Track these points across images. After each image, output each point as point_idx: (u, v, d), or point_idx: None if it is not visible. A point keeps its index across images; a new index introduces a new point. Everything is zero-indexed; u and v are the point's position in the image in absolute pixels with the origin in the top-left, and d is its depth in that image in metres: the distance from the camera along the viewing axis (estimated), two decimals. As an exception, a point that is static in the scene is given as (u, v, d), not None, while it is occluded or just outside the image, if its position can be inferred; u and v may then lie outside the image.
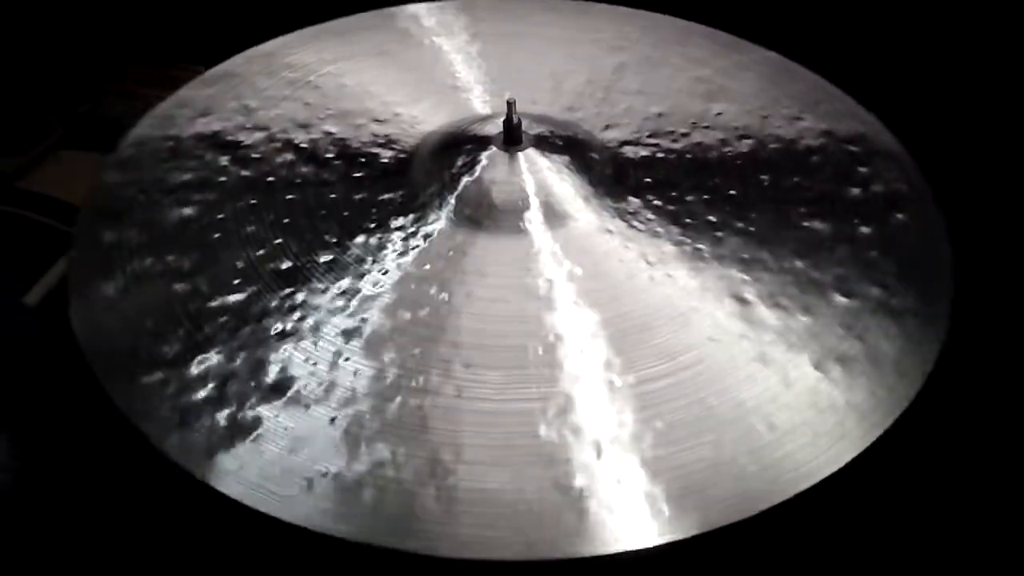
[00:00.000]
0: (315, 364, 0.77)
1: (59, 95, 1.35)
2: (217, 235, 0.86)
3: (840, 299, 0.83)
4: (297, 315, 0.80)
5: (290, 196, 0.89)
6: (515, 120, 0.87)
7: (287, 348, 0.78)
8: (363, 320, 0.79)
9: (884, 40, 1.39)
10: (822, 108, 0.99)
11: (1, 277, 1.12)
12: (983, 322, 1.11)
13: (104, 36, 1.40)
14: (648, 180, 0.90)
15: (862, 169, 0.94)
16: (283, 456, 0.73)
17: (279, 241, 0.85)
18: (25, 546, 1.00)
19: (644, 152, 0.93)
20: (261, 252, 0.84)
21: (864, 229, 0.88)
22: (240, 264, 0.83)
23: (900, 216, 0.90)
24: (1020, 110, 1.32)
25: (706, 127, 0.96)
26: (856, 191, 0.92)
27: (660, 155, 0.93)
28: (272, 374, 0.77)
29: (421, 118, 0.95)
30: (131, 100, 0.96)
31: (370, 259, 0.83)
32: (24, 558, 1.00)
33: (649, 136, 0.94)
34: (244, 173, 0.91)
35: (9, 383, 1.03)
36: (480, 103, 0.97)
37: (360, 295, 0.81)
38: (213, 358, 0.78)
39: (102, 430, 0.91)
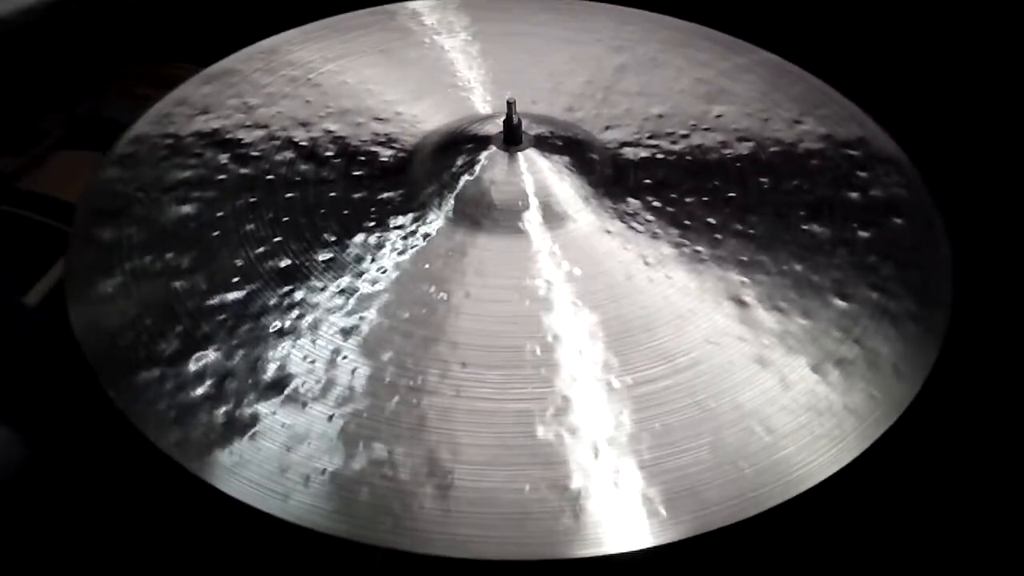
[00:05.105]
0: (313, 362, 0.77)
1: (59, 95, 1.35)
2: (216, 233, 0.86)
3: (838, 302, 0.83)
4: (296, 313, 0.80)
5: (290, 194, 0.89)
6: (515, 120, 0.87)
7: (285, 346, 0.78)
8: (361, 319, 0.79)
9: (884, 44, 1.39)
10: (822, 112, 1.00)
11: (1, 277, 1.12)
12: (981, 326, 1.11)
13: (104, 36, 1.40)
14: (648, 181, 0.90)
15: (861, 174, 0.94)
16: (280, 454, 0.73)
17: (278, 239, 0.85)
18: (27, 544, 1.00)
19: (644, 153, 0.93)
20: (260, 250, 0.84)
21: (863, 233, 0.88)
22: (239, 262, 0.83)
23: (899, 221, 0.90)
24: (1019, 115, 1.33)
25: (706, 129, 0.96)
26: (855, 195, 0.92)
27: (660, 156, 0.93)
28: (270, 372, 0.77)
29: (421, 117, 0.95)
30: (131, 100, 0.96)
31: (369, 258, 0.83)
32: (26, 556, 1.00)
33: (649, 137, 0.94)
34: (243, 171, 0.91)
35: (9, 383, 1.03)
36: (480, 103, 0.97)
37: (358, 294, 0.81)
38: (211, 355, 0.78)
39: (103, 430, 0.91)
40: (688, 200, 0.89)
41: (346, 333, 0.79)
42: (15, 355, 1.05)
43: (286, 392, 0.76)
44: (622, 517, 0.71)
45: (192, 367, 0.77)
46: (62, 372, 0.97)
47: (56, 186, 1.21)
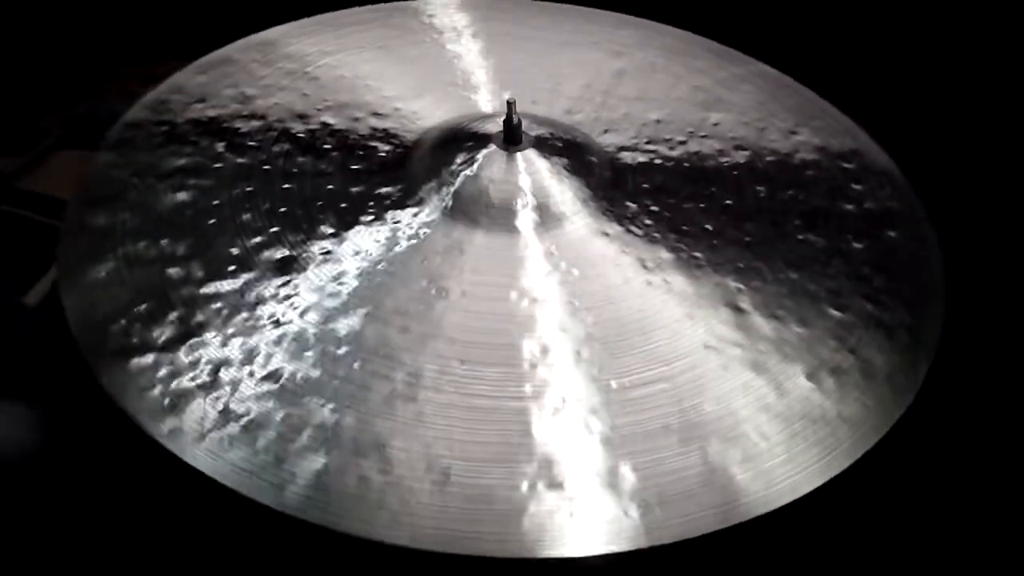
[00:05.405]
0: (308, 353, 0.76)
1: (59, 95, 1.34)
2: (212, 221, 0.85)
3: (833, 312, 0.83)
4: (291, 304, 0.79)
5: (287, 185, 0.88)
6: (515, 120, 0.87)
7: (281, 336, 0.77)
8: (358, 312, 0.79)
9: (878, 59, 1.40)
10: (817, 124, 1.00)
11: (1, 277, 1.11)
12: (974, 338, 1.12)
13: (103, 36, 1.39)
14: (646, 186, 0.90)
15: (856, 186, 0.94)
16: (276, 444, 0.72)
17: (275, 230, 0.84)
18: (26, 543, 0.99)
19: (642, 158, 0.93)
20: (256, 240, 0.83)
21: (857, 244, 0.89)
22: (235, 251, 0.82)
23: (892, 233, 0.91)
24: (1012, 127, 1.34)
25: (703, 136, 0.96)
26: (849, 207, 0.92)
27: (658, 162, 0.93)
28: (265, 362, 0.76)
29: (420, 113, 0.95)
30: (131, 100, 0.95)
31: (366, 251, 0.82)
32: (26, 553, 0.99)
33: (647, 142, 0.94)
34: (240, 160, 0.90)
35: (9, 383, 1.02)
36: (480, 102, 0.97)
37: (355, 287, 0.80)
38: (206, 344, 0.77)
39: (102, 429, 0.90)
40: (686, 206, 0.89)
41: (342, 326, 0.78)
42: (15, 355, 1.04)
43: (281, 382, 0.75)
44: (616, 517, 0.71)
45: (186, 355, 0.76)
46: (62, 373, 0.96)
47: (56, 186, 1.21)
